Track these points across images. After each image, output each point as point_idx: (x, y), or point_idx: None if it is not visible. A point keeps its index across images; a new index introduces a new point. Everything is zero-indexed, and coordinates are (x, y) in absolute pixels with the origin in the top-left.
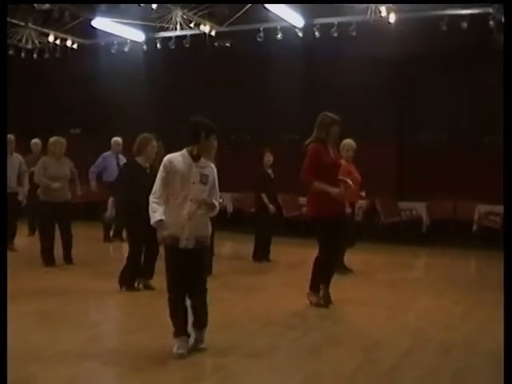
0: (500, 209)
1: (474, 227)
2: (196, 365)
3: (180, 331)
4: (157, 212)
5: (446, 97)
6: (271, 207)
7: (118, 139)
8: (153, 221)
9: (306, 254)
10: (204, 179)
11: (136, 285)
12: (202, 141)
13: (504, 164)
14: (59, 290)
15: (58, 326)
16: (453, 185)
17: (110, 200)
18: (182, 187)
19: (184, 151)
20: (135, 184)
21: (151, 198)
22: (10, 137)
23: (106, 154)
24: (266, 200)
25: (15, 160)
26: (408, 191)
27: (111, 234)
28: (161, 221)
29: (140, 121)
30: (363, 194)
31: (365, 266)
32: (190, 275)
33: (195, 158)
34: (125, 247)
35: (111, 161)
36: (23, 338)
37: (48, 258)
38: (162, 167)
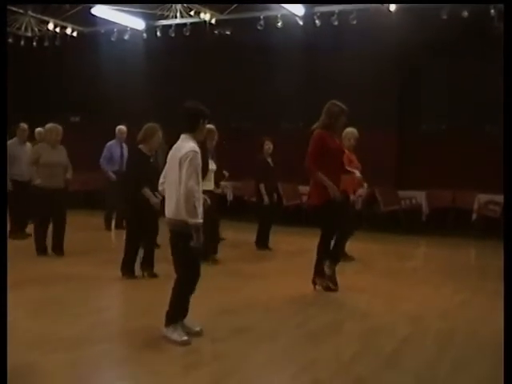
0: (500, 198)
1: (474, 216)
2: (197, 351)
3: (180, 317)
4: (200, 212)
5: (446, 85)
6: (266, 198)
7: (122, 127)
8: (196, 221)
9: (306, 242)
10: None
11: (141, 274)
12: (201, 127)
13: (504, 154)
14: (60, 278)
15: (59, 313)
16: (453, 174)
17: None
18: (199, 176)
19: (190, 138)
20: (137, 172)
21: (195, 195)
22: (23, 125)
23: (110, 143)
24: (262, 190)
25: (28, 148)
26: (408, 180)
27: (113, 224)
28: (201, 223)
29: (140, 109)
30: (364, 186)
31: (364, 254)
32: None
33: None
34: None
35: (116, 150)
36: (24, 325)
37: (40, 247)
38: (196, 160)
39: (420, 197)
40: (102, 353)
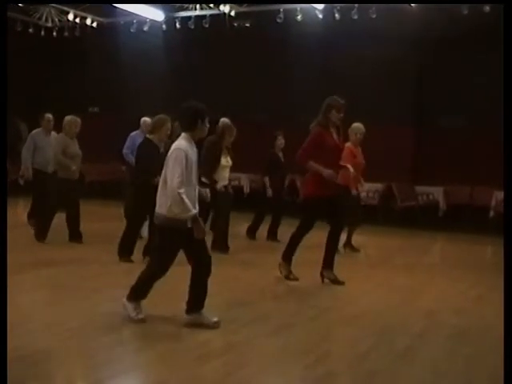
0: None
1: (491, 213)
2: (210, 342)
3: (143, 297)
4: (190, 205)
5: (465, 81)
6: (270, 192)
7: (147, 119)
8: (190, 214)
9: (320, 235)
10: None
11: (142, 259)
12: (199, 126)
13: (504, 153)
14: (76, 265)
15: (74, 300)
16: (470, 170)
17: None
18: (192, 172)
19: (188, 137)
20: (148, 162)
21: (180, 190)
22: (48, 116)
23: (133, 133)
24: (267, 184)
25: (53, 139)
26: (425, 176)
27: None
28: (196, 214)
29: (158, 100)
30: (362, 182)
31: (381, 249)
32: (196, 252)
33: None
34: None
35: (138, 141)
36: (41, 311)
37: (43, 234)
38: (180, 158)
39: (437, 193)
40: (116, 341)
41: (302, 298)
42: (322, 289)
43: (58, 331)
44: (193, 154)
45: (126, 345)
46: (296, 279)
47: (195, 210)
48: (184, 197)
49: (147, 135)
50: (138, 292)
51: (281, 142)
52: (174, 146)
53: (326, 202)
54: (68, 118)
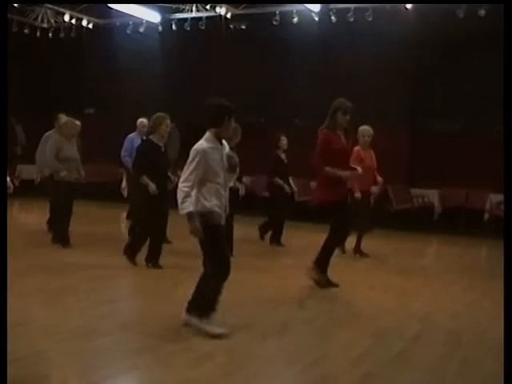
0: None
1: (486, 216)
2: (206, 344)
3: (213, 309)
4: (187, 204)
5: (460, 84)
6: (286, 187)
7: (143, 120)
8: (182, 212)
9: (317, 237)
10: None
11: (146, 265)
12: (225, 123)
13: (504, 154)
14: (72, 268)
15: (70, 302)
16: (466, 173)
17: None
18: (218, 172)
19: (211, 136)
20: (151, 163)
21: (183, 186)
22: (62, 116)
23: (130, 135)
24: (280, 182)
25: (49, 141)
26: (420, 178)
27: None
28: (191, 212)
29: (154, 102)
30: (379, 179)
31: (376, 252)
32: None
33: (220, 142)
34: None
35: (136, 142)
36: (36, 313)
37: (65, 239)
38: (195, 157)
39: (432, 195)
40: (112, 343)
41: (296, 301)
42: (317, 292)
43: (55, 333)
44: (216, 153)
45: (122, 346)
46: (324, 286)
47: (188, 209)
48: (184, 194)
49: (149, 136)
50: (212, 304)
51: (284, 142)
52: (193, 147)
53: (340, 206)
54: (65, 119)
